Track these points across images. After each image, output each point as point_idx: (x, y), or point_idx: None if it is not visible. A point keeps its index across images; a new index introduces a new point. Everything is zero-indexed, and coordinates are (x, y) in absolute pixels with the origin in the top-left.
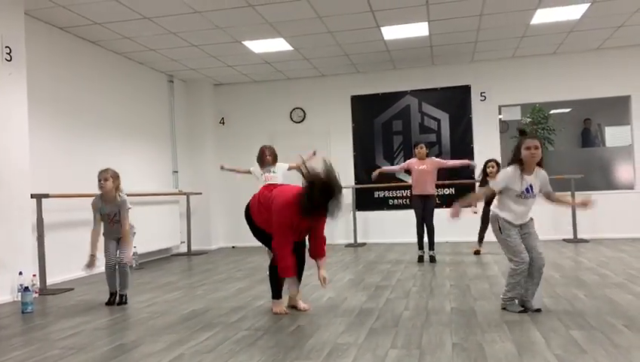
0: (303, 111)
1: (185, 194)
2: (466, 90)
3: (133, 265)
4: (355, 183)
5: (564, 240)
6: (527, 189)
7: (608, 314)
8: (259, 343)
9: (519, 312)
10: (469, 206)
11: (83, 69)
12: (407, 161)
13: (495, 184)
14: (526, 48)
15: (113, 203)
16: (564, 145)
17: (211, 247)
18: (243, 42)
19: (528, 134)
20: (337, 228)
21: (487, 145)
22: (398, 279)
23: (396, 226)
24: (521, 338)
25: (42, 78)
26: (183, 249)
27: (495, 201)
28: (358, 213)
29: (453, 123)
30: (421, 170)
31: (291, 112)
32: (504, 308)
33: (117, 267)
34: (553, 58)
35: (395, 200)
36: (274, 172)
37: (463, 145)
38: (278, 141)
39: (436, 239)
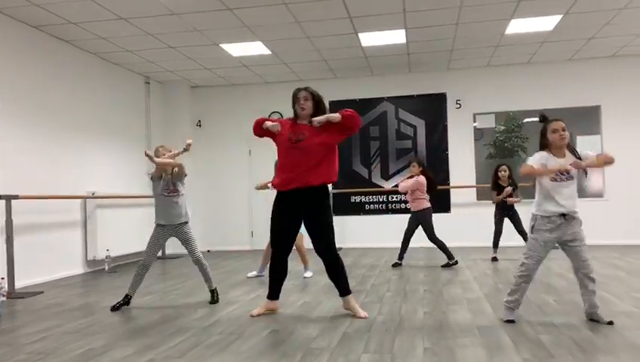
0: (281, 115)
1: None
2: (441, 97)
3: (105, 268)
4: (332, 188)
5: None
6: (561, 172)
7: (576, 319)
8: (231, 348)
9: (507, 321)
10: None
11: (56, 68)
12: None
13: (532, 160)
14: (501, 57)
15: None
16: None
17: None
18: (221, 45)
19: (549, 118)
20: None
21: (462, 152)
22: (373, 284)
23: (373, 231)
24: (491, 343)
25: (12, 76)
26: (158, 253)
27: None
28: (335, 218)
29: (429, 130)
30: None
31: (269, 116)
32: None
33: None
34: (527, 68)
35: (372, 206)
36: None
37: (438, 151)
38: (256, 144)
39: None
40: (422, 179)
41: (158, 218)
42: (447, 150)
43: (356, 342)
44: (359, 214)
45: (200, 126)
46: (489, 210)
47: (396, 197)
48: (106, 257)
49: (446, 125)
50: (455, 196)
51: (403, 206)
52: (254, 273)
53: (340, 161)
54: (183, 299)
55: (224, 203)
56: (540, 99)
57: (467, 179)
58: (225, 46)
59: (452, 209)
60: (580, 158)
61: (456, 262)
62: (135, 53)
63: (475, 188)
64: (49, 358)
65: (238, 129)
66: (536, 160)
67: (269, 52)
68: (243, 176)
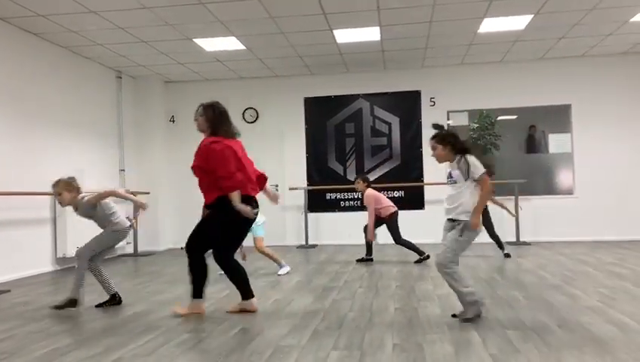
0: (256, 112)
1: (132, 193)
2: (416, 95)
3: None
4: (308, 185)
5: (507, 242)
6: (448, 176)
7: (543, 314)
8: (200, 346)
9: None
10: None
11: (25, 61)
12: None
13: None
14: (474, 56)
15: (81, 209)
16: (510, 151)
17: (159, 248)
18: (194, 40)
19: (437, 132)
20: (289, 230)
21: None
22: (346, 280)
23: (347, 228)
24: (460, 339)
25: None
26: (129, 250)
27: None
28: (310, 215)
29: (403, 127)
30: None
31: (244, 112)
32: None
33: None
34: (500, 66)
35: (347, 202)
36: None
37: (412, 148)
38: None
39: (384, 240)
40: (370, 192)
41: None
42: (421, 147)
43: (326, 338)
44: (334, 211)
45: (173, 122)
46: None
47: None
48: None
49: (420, 122)
50: (429, 193)
51: None
52: (285, 270)
53: (315, 157)
54: (153, 296)
55: (198, 200)
56: (512, 97)
57: (441, 175)
58: (198, 41)
59: (426, 205)
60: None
61: (428, 256)
62: (106, 46)
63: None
64: (12, 358)
65: None
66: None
67: (244, 47)
68: None
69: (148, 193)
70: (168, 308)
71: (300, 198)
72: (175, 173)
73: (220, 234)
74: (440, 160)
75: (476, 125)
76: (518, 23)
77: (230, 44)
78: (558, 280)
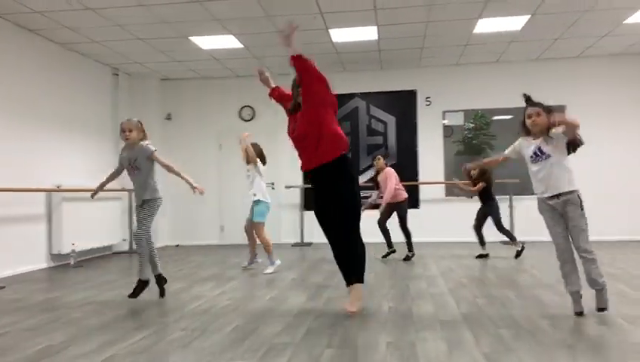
0: (253, 110)
1: (128, 190)
2: (412, 94)
3: (71, 263)
4: (304, 183)
5: (501, 242)
6: (535, 153)
7: (535, 313)
8: (194, 344)
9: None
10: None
11: (20, 58)
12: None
13: (507, 150)
14: (470, 56)
15: (134, 149)
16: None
17: (155, 246)
18: (190, 38)
19: (530, 102)
20: (284, 228)
21: (431, 148)
22: (340, 279)
23: None
24: (453, 337)
25: None
26: (125, 247)
27: None
28: (306, 213)
29: (399, 126)
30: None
31: (240, 110)
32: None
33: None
34: (495, 66)
35: None
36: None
37: (408, 148)
38: (227, 139)
39: (373, 240)
40: (391, 170)
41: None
42: (416, 146)
43: (320, 337)
44: None
45: (170, 119)
46: (457, 206)
47: (367, 193)
48: (72, 251)
49: (416, 122)
50: (424, 192)
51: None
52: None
53: None
54: (148, 294)
55: (193, 197)
56: (508, 98)
57: (436, 175)
58: (195, 39)
59: (421, 205)
60: (551, 138)
61: (414, 255)
62: (102, 44)
63: (444, 185)
64: (6, 355)
65: (209, 123)
66: (510, 147)
67: (241, 46)
68: (213, 170)
69: None
70: (163, 306)
71: (296, 197)
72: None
73: (356, 198)
74: (535, 128)
75: (472, 125)
76: (515, 23)
77: (228, 42)
78: (551, 279)
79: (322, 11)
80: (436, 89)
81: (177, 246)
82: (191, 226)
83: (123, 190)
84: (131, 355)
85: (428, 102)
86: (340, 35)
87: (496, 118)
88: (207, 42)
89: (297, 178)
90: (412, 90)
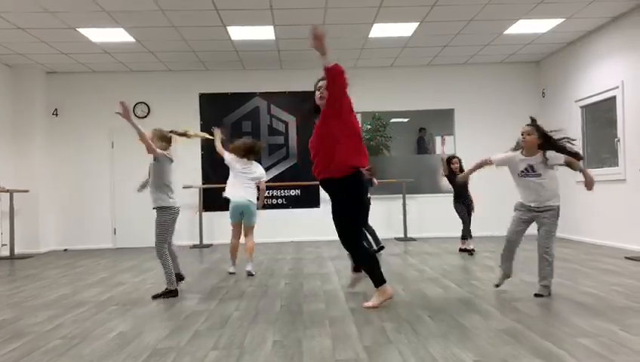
0: (148, 106)
1: (7, 191)
2: (312, 95)
3: None
4: (203, 183)
5: (395, 238)
6: (526, 169)
7: (418, 306)
8: (71, 352)
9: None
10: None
11: None
12: None
13: (495, 157)
14: (366, 60)
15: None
16: (402, 152)
17: (40, 250)
18: (78, 29)
19: (532, 121)
20: (183, 229)
21: None
22: (237, 280)
23: None
24: (339, 332)
25: None
26: (5, 252)
27: None
28: (205, 214)
29: (300, 126)
30: None
31: (135, 107)
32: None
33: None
34: (391, 71)
35: None
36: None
37: (308, 149)
38: (120, 136)
39: (281, 239)
40: None
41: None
42: None
43: (207, 339)
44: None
45: (57, 115)
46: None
47: (268, 193)
48: None
49: (315, 122)
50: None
51: (274, 201)
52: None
53: (210, 155)
54: (26, 301)
55: (84, 198)
56: (402, 101)
57: None
58: (83, 31)
59: (321, 204)
60: (547, 159)
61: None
62: None
63: None
64: None
65: (100, 119)
66: (502, 155)
67: (133, 39)
68: (105, 169)
69: (27, 191)
70: (41, 313)
71: (195, 197)
72: (58, 169)
73: (359, 207)
74: (526, 145)
75: (369, 126)
76: (406, 29)
77: (118, 35)
78: (436, 273)
79: (217, 8)
80: None
81: (65, 250)
82: (80, 229)
83: (2, 190)
84: None
85: None
86: (239, 32)
87: (394, 120)
88: (97, 35)
89: (197, 178)
90: (312, 92)
